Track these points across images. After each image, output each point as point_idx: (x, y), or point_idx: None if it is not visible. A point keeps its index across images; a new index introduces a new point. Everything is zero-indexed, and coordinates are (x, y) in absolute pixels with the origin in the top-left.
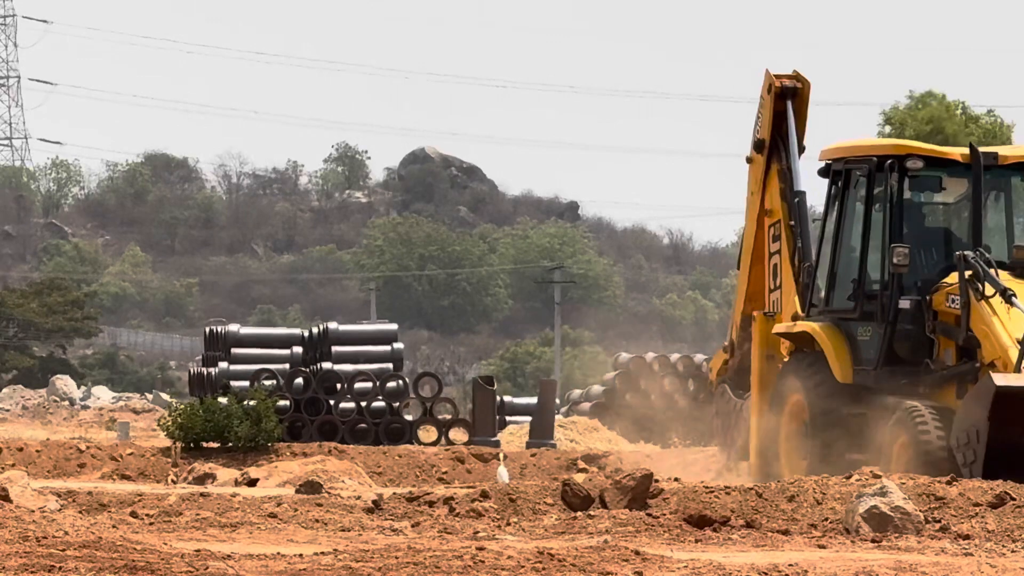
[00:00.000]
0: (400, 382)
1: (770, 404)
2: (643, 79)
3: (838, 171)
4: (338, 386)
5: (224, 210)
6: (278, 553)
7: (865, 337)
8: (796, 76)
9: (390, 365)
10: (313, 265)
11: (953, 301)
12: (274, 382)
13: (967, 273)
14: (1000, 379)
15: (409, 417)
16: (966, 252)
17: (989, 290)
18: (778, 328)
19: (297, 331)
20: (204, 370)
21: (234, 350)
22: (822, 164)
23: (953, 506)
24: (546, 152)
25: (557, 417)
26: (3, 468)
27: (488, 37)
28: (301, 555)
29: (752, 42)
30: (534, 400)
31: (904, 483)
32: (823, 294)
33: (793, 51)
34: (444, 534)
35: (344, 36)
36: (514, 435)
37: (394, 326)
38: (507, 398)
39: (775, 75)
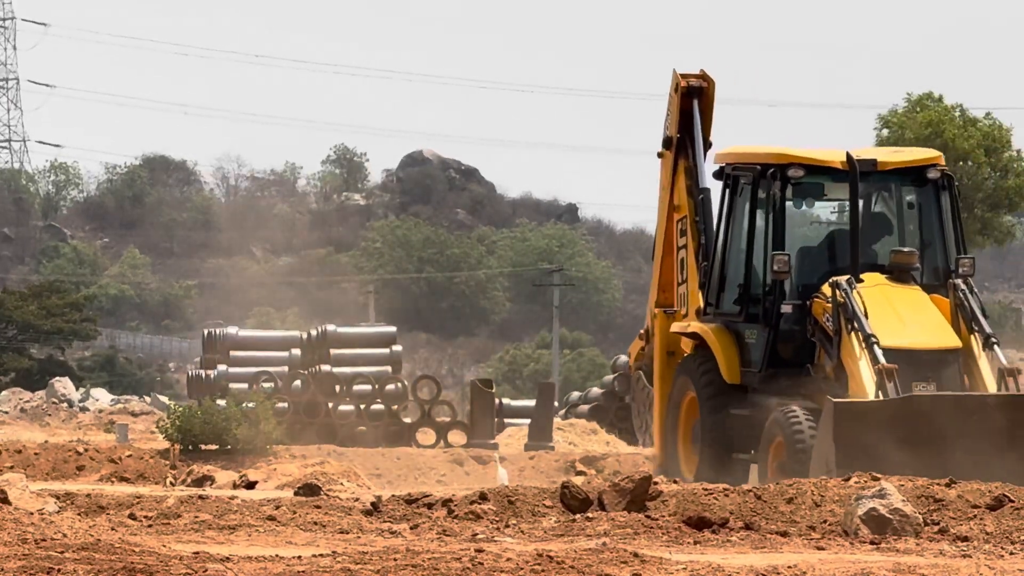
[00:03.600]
0: (398, 384)
1: (669, 401)
2: (643, 81)
3: (728, 175)
4: (337, 388)
5: (222, 212)
6: (276, 555)
7: (751, 339)
8: (702, 75)
9: (388, 368)
10: (311, 267)
11: (829, 319)
12: (272, 384)
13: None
14: (837, 399)
15: (407, 419)
16: (839, 279)
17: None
18: (675, 327)
19: (296, 333)
20: (203, 372)
21: (233, 352)
22: (716, 167)
23: (952, 508)
24: (545, 154)
25: (556, 419)
26: (2, 470)
27: (486, 39)
28: (300, 557)
29: (751, 44)
30: (533, 403)
31: (903, 485)
32: (714, 296)
33: (792, 53)
34: (443, 536)
35: (342, 38)
36: (513, 437)
37: (392, 328)
38: (505, 400)
39: (681, 74)
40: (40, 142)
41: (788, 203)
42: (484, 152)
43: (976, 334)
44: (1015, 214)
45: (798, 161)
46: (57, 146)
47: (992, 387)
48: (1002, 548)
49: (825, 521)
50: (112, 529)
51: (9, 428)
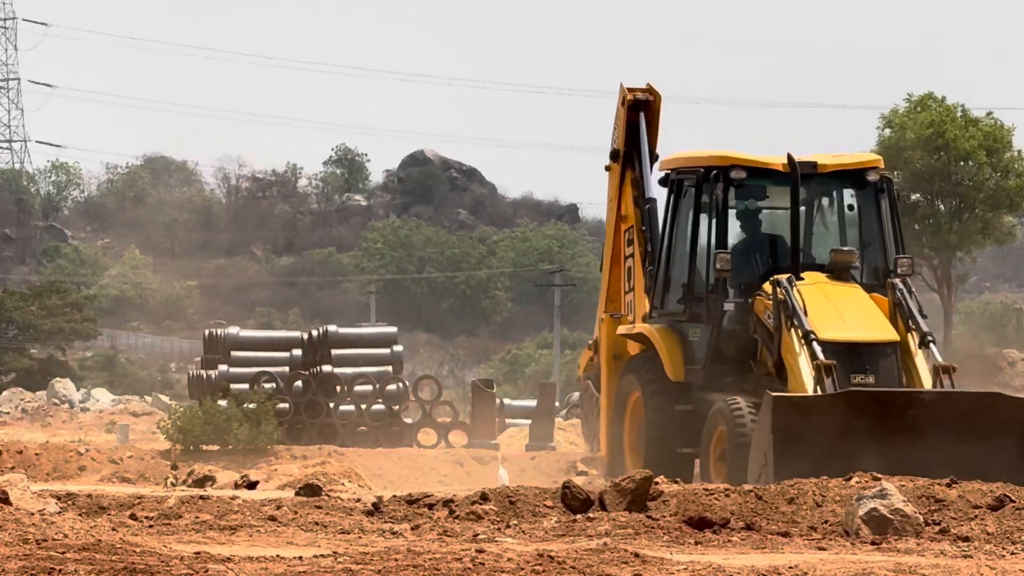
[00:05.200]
0: (399, 385)
1: (615, 402)
2: (643, 82)
3: (673, 180)
4: (337, 389)
5: (223, 213)
6: (277, 556)
7: (695, 338)
8: (649, 89)
9: (389, 368)
10: (313, 268)
11: (770, 316)
12: (274, 385)
13: (780, 296)
14: (776, 393)
15: (408, 420)
16: (780, 277)
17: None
18: (621, 330)
19: (296, 334)
20: (204, 373)
21: (234, 353)
22: (662, 174)
23: (953, 508)
24: (546, 154)
25: (557, 420)
26: (3, 471)
27: (486, 39)
28: (300, 558)
29: (750, 44)
30: (534, 403)
31: (904, 486)
32: (659, 298)
33: (791, 53)
34: (444, 536)
35: (342, 38)
36: (514, 438)
37: (393, 329)
38: (506, 401)
39: (628, 88)
40: (40, 142)
41: (730, 204)
42: (485, 152)
43: (913, 332)
44: (1016, 214)
45: (740, 163)
46: (58, 146)
47: (928, 383)
48: (1003, 548)
49: (826, 521)
50: (113, 529)
51: (10, 428)
